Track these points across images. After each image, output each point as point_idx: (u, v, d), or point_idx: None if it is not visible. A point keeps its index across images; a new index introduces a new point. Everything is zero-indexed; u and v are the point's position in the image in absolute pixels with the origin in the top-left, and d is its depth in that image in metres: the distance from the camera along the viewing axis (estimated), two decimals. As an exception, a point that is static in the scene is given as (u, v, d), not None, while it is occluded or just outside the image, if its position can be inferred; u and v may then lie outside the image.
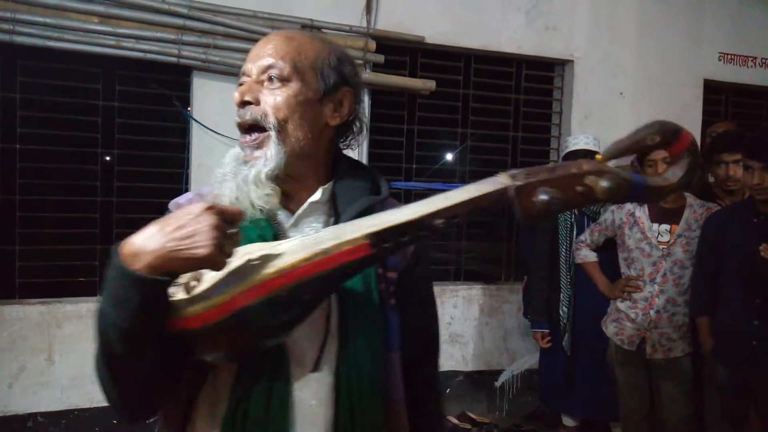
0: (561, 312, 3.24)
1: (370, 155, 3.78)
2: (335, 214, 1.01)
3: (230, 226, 0.82)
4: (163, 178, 3.47)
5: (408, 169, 4.01)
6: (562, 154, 3.38)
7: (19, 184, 3.23)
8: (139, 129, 3.42)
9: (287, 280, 0.81)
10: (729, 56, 4.58)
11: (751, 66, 4.66)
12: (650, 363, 2.84)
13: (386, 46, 3.68)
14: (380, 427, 0.97)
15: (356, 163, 1.11)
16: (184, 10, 3.19)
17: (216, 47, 3.27)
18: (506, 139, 4.26)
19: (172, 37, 3.19)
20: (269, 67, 0.98)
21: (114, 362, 0.87)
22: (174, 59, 3.21)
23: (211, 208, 0.81)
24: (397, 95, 3.87)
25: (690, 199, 2.84)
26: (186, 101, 3.46)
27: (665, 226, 2.81)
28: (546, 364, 3.44)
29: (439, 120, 4.08)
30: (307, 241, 0.86)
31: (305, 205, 1.01)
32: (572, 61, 4.18)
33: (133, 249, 0.81)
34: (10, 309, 3.12)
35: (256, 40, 3.67)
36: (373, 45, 3.58)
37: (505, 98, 4.22)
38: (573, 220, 3.26)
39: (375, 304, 0.97)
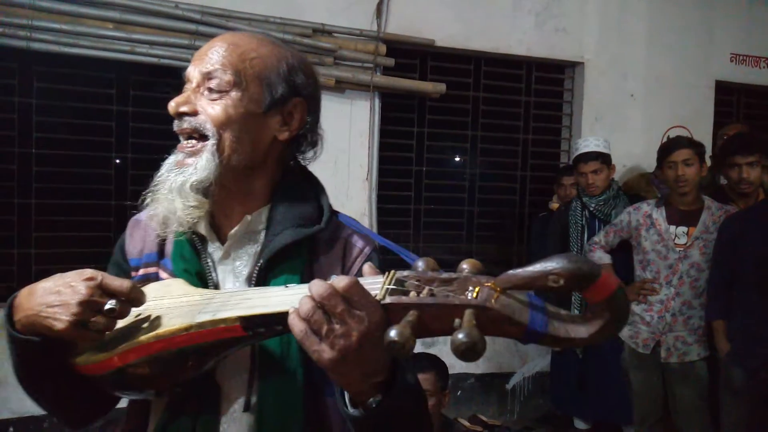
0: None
1: (381, 158, 3.80)
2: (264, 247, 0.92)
3: (109, 300, 0.78)
4: (176, 181, 3.50)
5: (418, 172, 4.03)
6: (573, 156, 3.37)
7: (36, 188, 3.27)
8: (152, 133, 3.46)
9: (167, 345, 0.79)
10: (740, 57, 4.56)
11: (763, 66, 4.63)
12: (665, 367, 2.82)
13: (397, 49, 3.70)
14: None
15: (302, 182, 0.99)
16: (197, 16, 3.23)
17: (228, 52, 3.30)
18: (516, 142, 4.26)
19: (185, 42, 3.22)
20: (209, 75, 0.90)
21: (24, 389, 0.90)
22: (187, 64, 3.23)
23: (90, 279, 0.78)
24: (408, 98, 3.89)
25: (708, 201, 2.82)
26: (198, 106, 3.49)
27: (682, 229, 2.79)
28: (558, 367, 3.44)
29: (449, 123, 4.09)
30: (196, 302, 0.82)
31: (228, 238, 0.93)
32: (582, 63, 4.18)
33: (19, 300, 0.82)
34: (27, 311, 3.17)
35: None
36: (383, 48, 3.60)
37: (515, 101, 4.22)
38: (584, 221, 3.26)
39: (296, 347, 0.87)
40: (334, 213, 0.98)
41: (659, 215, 2.85)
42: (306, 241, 0.92)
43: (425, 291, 0.67)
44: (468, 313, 0.63)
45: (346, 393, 0.77)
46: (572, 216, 3.30)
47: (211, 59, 0.91)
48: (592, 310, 0.65)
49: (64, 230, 3.35)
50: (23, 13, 2.96)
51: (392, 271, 0.72)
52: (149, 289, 0.87)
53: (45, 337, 0.80)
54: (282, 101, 0.93)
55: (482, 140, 4.18)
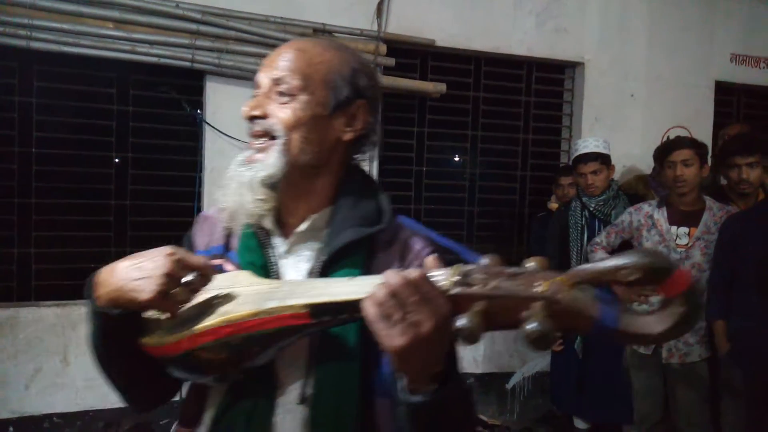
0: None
1: (381, 158, 3.80)
2: (328, 243, 0.96)
3: (189, 274, 0.84)
4: (177, 181, 3.50)
5: (418, 172, 4.03)
6: (572, 157, 3.37)
7: (35, 187, 3.27)
8: (152, 133, 3.46)
9: (235, 330, 0.82)
10: (741, 57, 4.56)
11: (764, 67, 4.63)
12: (666, 367, 2.82)
13: (397, 49, 3.70)
14: None
15: (364, 183, 1.03)
16: (198, 16, 3.23)
17: (229, 52, 3.31)
18: (516, 142, 4.26)
19: (185, 42, 3.22)
20: (279, 80, 0.95)
21: (100, 369, 0.96)
22: (188, 64, 3.25)
23: (171, 254, 0.83)
24: (408, 98, 3.89)
25: (709, 201, 2.82)
26: (199, 105, 3.49)
27: (684, 229, 2.79)
28: (558, 367, 3.44)
29: (449, 122, 4.09)
30: (264, 291, 0.86)
31: (294, 235, 0.98)
32: (583, 64, 4.18)
33: (99, 278, 0.87)
34: (27, 311, 3.17)
35: (268, 45, 3.70)
36: (384, 48, 3.60)
37: (516, 101, 4.22)
38: (584, 222, 3.26)
39: (354, 343, 0.90)
40: (395, 214, 1.02)
41: (660, 216, 2.85)
42: (366, 241, 0.96)
43: (492, 284, 0.68)
44: (537, 305, 0.64)
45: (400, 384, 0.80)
46: (572, 216, 3.30)
47: (279, 66, 0.96)
48: (665, 306, 0.64)
49: (63, 229, 3.35)
50: (23, 12, 2.95)
51: (458, 265, 0.73)
52: (218, 279, 0.90)
53: (126, 311, 0.85)
54: (346, 103, 0.97)
55: (482, 140, 4.18)
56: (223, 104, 3.42)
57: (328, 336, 0.90)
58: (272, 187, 0.94)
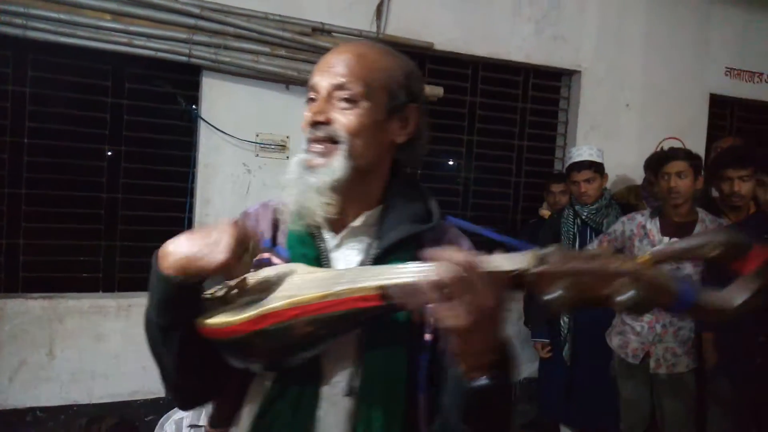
0: (561, 323, 3.24)
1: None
2: (378, 238, 1.01)
3: (249, 242, 0.89)
4: (169, 176, 3.48)
5: (412, 175, 4.02)
6: (566, 165, 3.38)
7: (26, 178, 3.24)
8: (146, 127, 3.44)
9: (301, 313, 0.84)
10: (735, 71, 4.60)
11: (758, 81, 4.68)
12: (654, 377, 2.83)
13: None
14: None
15: (411, 184, 1.08)
16: (196, 10, 3.21)
17: (226, 48, 3.29)
18: (511, 148, 4.27)
19: (183, 36, 3.20)
20: (341, 87, 0.98)
21: (152, 350, 0.96)
22: (184, 58, 3.23)
23: (237, 223, 0.89)
24: (405, 101, 3.88)
25: (702, 213, 2.83)
26: (195, 101, 3.47)
27: (676, 240, 2.80)
28: (546, 374, 3.44)
29: (445, 126, 4.09)
30: (327, 277, 0.89)
31: (347, 229, 1.02)
32: (579, 72, 4.20)
33: (165, 251, 0.90)
34: (13, 303, 3.13)
35: (266, 42, 3.66)
36: (382, 50, 3.59)
37: (512, 107, 4.23)
38: (576, 230, 3.27)
39: (402, 336, 0.95)
40: (443, 215, 1.07)
41: (653, 226, 2.86)
42: (415, 238, 1.00)
43: (572, 263, 0.70)
44: (623, 280, 0.67)
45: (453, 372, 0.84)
46: (564, 224, 3.30)
47: (341, 71, 0.98)
48: (742, 280, 0.68)
49: (53, 221, 3.32)
50: (20, 1, 2.93)
51: (533, 251, 0.75)
52: (273, 269, 0.94)
53: (191, 283, 0.88)
54: (402, 107, 1.02)
55: (478, 145, 4.18)
56: (219, 100, 3.40)
57: (376, 328, 0.93)
58: (336, 190, 0.97)
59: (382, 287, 0.80)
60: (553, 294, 0.68)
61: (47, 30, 2.99)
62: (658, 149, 4.11)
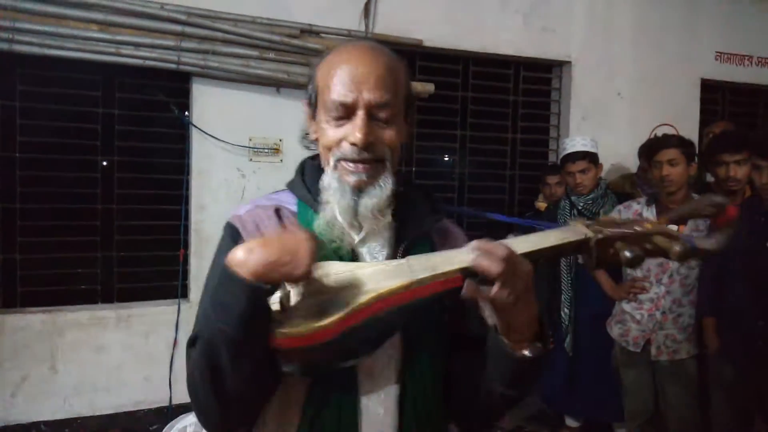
0: (562, 314, 3.24)
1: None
2: (397, 233, 1.04)
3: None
4: (163, 184, 3.47)
5: (407, 172, 4.02)
6: (560, 156, 3.38)
7: (20, 192, 3.23)
8: (138, 136, 3.43)
9: (387, 304, 0.87)
10: (725, 55, 4.61)
11: (747, 65, 4.68)
12: (655, 364, 2.83)
13: (384, 49, 3.69)
14: None
15: (409, 181, 1.12)
16: (183, 17, 3.20)
17: (215, 53, 3.28)
18: (505, 141, 4.27)
19: (171, 43, 3.19)
20: (384, 105, 0.97)
21: (213, 370, 0.89)
22: (173, 66, 3.21)
23: (311, 236, 0.88)
24: (396, 99, 3.88)
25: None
26: (186, 107, 3.46)
27: (673, 227, 2.79)
28: (548, 365, 3.45)
29: (437, 122, 4.09)
30: (389, 269, 0.91)
31: (373, 226, 1.02)
32: (570, 63, 4.20)
33: (239, 259, 0.86)
34: (13, 318, 3.12)
35: (254, 46, 3.63)
36: (371, 49, 3.58)
37: (504, 100, 4.23)
38: (572, 221, 3.27)
39: (442, 318, 1.01)
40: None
41: (649, 213, 2.86)
42: (435, 229, 1.09)
43: (613, 229, 0.92)
44: (658, 237, 0.92)
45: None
46: (561, 215, 3.30)
47: (381, 88, 0.97)
48: (717, 230, 0.98)
49: (49, 235, 3.31)
50: (5, 14, 2.91)
51: (576, 221, 0.96)
52: (328, 270, 0.92)
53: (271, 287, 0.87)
54: (410, 109, 1.06)
55: (471, 140, 4.18)
56: (210, 106, 3.39)
57: (418, 319, 0.96)
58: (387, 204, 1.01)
59: (462, 269, 0.87)
60: (628, 253, 0.88)
61: (34, 43, 2.97)
62: (652, 136, 4.12)
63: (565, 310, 3.24)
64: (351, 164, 0.98)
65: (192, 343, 0.94)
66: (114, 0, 3.08)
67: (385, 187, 0.99)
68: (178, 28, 3.20)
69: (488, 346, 0.95)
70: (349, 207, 0.99)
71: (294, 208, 1.07)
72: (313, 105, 1.04)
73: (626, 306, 2.90)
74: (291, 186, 1.10)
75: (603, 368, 3.09)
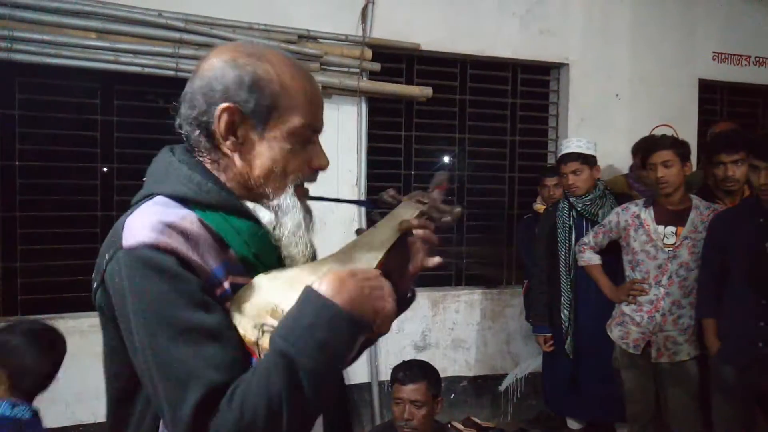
0: (563, 315, 3.24)
1: (369, 163, 3.79)
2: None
3: None
4: (163, 191, 3.47)
5: (407, 176, 4.02)
6: (558, 157, 3.39)
7: (20, 200, 3.23)
8: (137, 143, 3.43)
9: None
10: (723, 55, 4.61)
11: (746, 65, 4.68)
12: (656, 366, 2.83)
13: (382, 54, 3.70)
14: None
15: None
16: (181, 24, 3.21)
17: (213, 60, 3.28)
18: (504, 144, 4.27)
19: (169, 50, 3.20)
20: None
21: (304, 409, 0.81)
22: (172, 72, 3.22)
23: (383, 275, 0.92)
24: (394, 102, 3.89)
25: (696, 200, 2.83)
26: (184, 114, 3.47)
27: (671, 228, 2.80)
28: (549, 367, 3.44)
29: (436, 126, 4.09)
30: (320, 265, 0.96)
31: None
32: (567, 65, 4.20)
33: (330, 293, 0.84)
34: (13, 326, 3.12)
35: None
36: (369, 53, 3.60)
37: (502, 103, 4.24)
38: (572, 222, 3.27)
39: None
40: None
41: (647, 215, 2.86)
42: None
43: (429, 199, 1.16)
44: (444, 206, 1.14)
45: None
46: (560, 216, 3.31)
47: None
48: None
49: (50, 243, 3.31)
50: (3, 24, 2.92)
51: (404, 202, 1.15)
52: (267, 286, 0.90)
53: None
54: None
55: (470, 143, 4.18)
56: (208, 112, 3.39)
57: None
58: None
59: (403, 227, 1.04)
60: (457, 209, 1.12)
61: (33, 52, 2.98)
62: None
63: (565, 311, 3.23)
64: (303, 188, 1.01)
65: (229, 396, 0.80)
66: (112, 8, 3.10)
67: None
68: (176, 35, 3.21)
69: None
70: (306, 225, 1.00)
71: (206, 220, 0.92)
72: (259, 117, 0.94)
73: (626, 308, 2.90)
74: (196, 193, 0.95)
75: (604, 369, 3.09)
